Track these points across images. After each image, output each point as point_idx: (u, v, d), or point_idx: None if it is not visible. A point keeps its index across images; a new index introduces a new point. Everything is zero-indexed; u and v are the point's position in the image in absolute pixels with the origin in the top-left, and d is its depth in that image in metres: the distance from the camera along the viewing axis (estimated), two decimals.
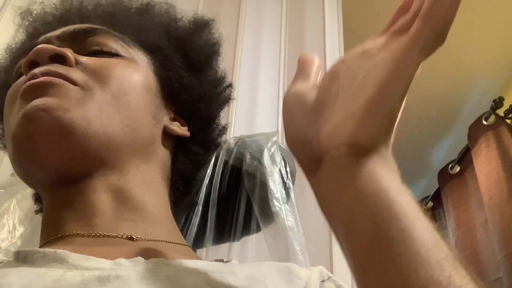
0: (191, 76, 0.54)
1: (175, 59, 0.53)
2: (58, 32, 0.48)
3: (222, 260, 0.45)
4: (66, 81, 0.42)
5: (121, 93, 0.44)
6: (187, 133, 0.53)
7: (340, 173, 0.30)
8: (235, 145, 0.64)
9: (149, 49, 0.52)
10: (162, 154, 0.49)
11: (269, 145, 0.63)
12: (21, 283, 0.30)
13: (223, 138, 0.63)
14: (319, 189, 0.32)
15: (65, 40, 0.47)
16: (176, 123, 0.52)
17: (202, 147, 0.56)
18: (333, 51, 1.35)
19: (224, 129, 0.61)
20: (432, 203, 2.43)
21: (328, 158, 0.31)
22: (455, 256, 0.27)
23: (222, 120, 0.61)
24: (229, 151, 0.63)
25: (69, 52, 0.44)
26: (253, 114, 1.17)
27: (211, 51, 0.59)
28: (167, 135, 0.50)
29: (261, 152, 0.62)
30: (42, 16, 0.56)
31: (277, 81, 1.24)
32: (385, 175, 0.29)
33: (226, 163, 0.62)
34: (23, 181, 0.45)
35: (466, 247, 1.97)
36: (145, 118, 0.46)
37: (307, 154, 0.32)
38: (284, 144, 1.09)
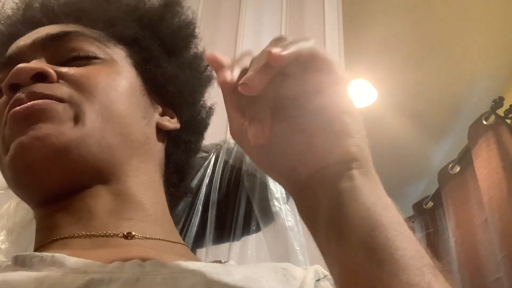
0: (173, 65, 0.52)
1: (154, 50, 0.51)
2: (28, 40, 0.46)
3: (219, 261, 0.45)
4: (52, 99, 0.41)
5: (109, 101, 0.43)
6: (178, 125, 0.52)
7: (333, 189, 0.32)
8: (235, 145, 0.64)
9: (125, 42, 0.50)
10: (158, 151, 0.49)
11: None
12: (22, 287, 0.30)
13: (222, 137, 0.63)
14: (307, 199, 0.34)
15: (37, 49, 0.46)
16: (166, 117, 0.51)
17: (193, 133, 0.55)
18: (333, 51, 1.35)
19: (211, 110, 0.60)
20: (432, 203, 2.43)
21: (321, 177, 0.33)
22: (435, 265, 0.29)
23: (213, 109, 0.60)
24: (229, 151, 0.63)
25: (50, 69, 0.43)
26: None
27: (186, 33, 0.57)
28: (160, 131, 0.50)
29: None
30: (5, 18, 0.54)
31: None
32: (372, 190, 0.32)
33: (226, 163, 0.62)
34: (18, 197, 0.45)
35: (466, 247, 1.97)
36: (136, 121, 0.45)
37: (294, 180, 0.34)
38: None
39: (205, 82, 0.59)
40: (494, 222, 1.74)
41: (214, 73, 0.59)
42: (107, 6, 0.52)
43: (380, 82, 2.31)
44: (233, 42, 1.30)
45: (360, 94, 2.36)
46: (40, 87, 0.41)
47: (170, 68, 0.52)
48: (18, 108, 0.40)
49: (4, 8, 0.55)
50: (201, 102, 0.58)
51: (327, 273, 0.42)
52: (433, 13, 2.00)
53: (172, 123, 0.51)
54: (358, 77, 2.28)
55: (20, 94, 0.41)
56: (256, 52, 0.37)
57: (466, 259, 1.95)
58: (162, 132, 0.50)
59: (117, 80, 0.46)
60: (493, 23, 2.02)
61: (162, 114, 0.51)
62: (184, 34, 0.56)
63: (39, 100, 0.40)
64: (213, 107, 0.60)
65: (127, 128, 0.44)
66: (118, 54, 0.48)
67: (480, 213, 1.92)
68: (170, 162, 0.51)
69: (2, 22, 0.54)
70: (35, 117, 0.40)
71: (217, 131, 0.62)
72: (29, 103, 0.40)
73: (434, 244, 2.31)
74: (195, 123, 0.56)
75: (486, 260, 1.84)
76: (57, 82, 0.43)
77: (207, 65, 0.59)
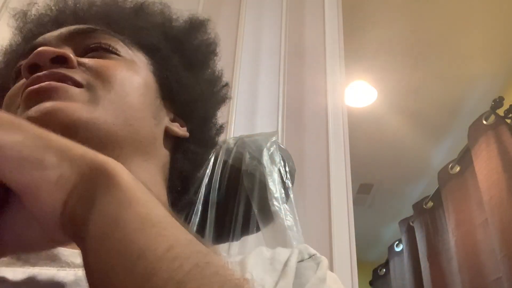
0: (189, 76, 0.54)
1: (173, 60, 0.53)
2: (56, 32, 0.48)
3: None
4: (70, 83, 0.42)
5: (124, 92, 0.44)
6: (187, 134, 0.53)
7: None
8: (234, 145, 0.64)
9: (147, 49, 0.52)
10: (163, 155, 0.50)
11: (268, 144, 0.63)
12: (15, 281, 0.30)
13: (222, 137, 0.63)
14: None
15: (64, 40, 0.47)
16: (176, 123, 0.53)
17: (200, 146, 0.56)
18: (333, 51, 1.35)
19: (221, 128, 0.62)
20: (432, 203, 2.43)
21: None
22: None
23: (220, 119, 0.61)
24: (228, 151, 0.63)
25: (70, 53, 0.44)
26: (253, 114, 1.17)
27: (207, 50, 0.59)
28: (168, 136, 0.51)
29: (260, 151, 0.62)
30: (37, 17, 0.56)
31: (277, 81, 1.25)
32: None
33: (225, 162, 0.63)
34: None
35: (466, 247, 1.97)
36: (146, 118, 0.46)
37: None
38: (283, 144, 1.09)
39: (219, 100, 0.61)
40: (494, 222, 1.74)
41: (229, 94, 0.63)
42: (135, 17, 0.55)
43: (380, 82, 2.31)
44: (233, 42, 1.30)
45: (359, 94, 2.36)
46: (58, 69, 0.42)
47: (186, 79, 0.53)
48: (33, 86, 0.40)
49: (36, 9, 0.56)
50: (213, 119, 0.60)
51: (313, 252, 0.42)
52: (433, 13, 2.00)
53: (181, 130, 0.52)
54: (358, 77, 2.29)
55: (38, 74, 0.41)
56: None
57: (466, 259, 1.95)
58: (170, 139, 0.51)
59: (134, 76, 0.47)
60: (493, 23, 2.02)
61: (172, 121, 0.52)
62: (205, 51, 0.59)
63: (55, 82, 0.41)
64: (223, 126, 0.62)
65: (137, 122, 0.44)
66: (139, 58, 0.50)
67: (480, 213, 1.92)
68: (175, 168, 0.52)
69: (33, 21, 0.55)
70: (48, 94, 0.40)
71: None
72: (45, 83, 0.40)
73: (434, 244, 2.31)
74: (204, 137, 0.57)
75: (486, 260, 1.84)
76: (77, 68, 0.43)
77: (224, 85, 0.62)
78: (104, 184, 0.25)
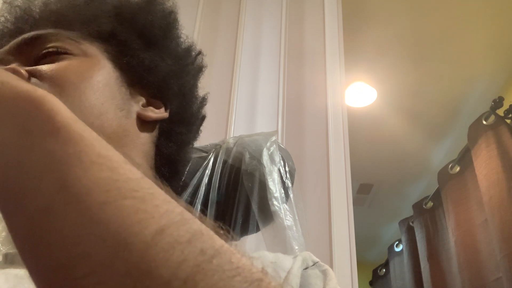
0: (152, 55, 0.52)
1: (131, 42, 0.51)
2: (6, 47, 0.48)
3: None
4: None
5: (79, 92, 0.43)
6: (165, 114, 0.51)
7: None
8: (234, 144, 0.64)
9: (102, 38, 0.50)
10: (141, 144, 0.48)
11: (268, 144, 0.63)
12: (8, 286, 0.30)
13: (222, 137, 0.63)
14: None
15: (14, 54, 0.47)
16: (150, 107, 0.51)
17: (184, 124, 0.55)
18: (333, 51, 1.35)
19: (204, 100, 0.60)
20: (432, 203, 2.43)
21: None
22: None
23: (201, 92, 0.59)
24: (228, 151, 0.63)
25: (18, 67, 0.43)
26: (253, 114, 1.17)
27: (166, 22, 0.56)
28: (145, 123, 0.49)
29: (260, 151, 0.62)
30: None
31: (277, 81, 1.25)
32: None
33: (225, 162, 0.62)
34: None
35: (466, 247, 1.97)
36: (109, 111, 0.45)
37: None
38: (283, 144, 1.09)
39: (193, 72, 0.58)
40: (494, 222, 1.74)
41: (204, 63, 0.59)
42: (85, 7, 0.53)
43: (379, 82, 2.31)
44: (233, 42, 1.30)
45: (359, 94, 2.36)
46: None
47: (148, 58, 0.51)
48: None
49: None
50: (191, 92, 0.57)
51: (316, 260, 0.42)
52: (433, 14, 2.00)
53: (156, 113, 0.50)
54: (358, 77, 2.29)
55: None
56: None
57: (466, 259, 1.95)
58: (148, 124, 0.50)
59: (89, 72, 0.46)
60: (493, 23, 2.02)
61: (146, 105, 0.51)
62: (163, 23, 0.55)
63: None
64: (206, 97, 0.60)
65: (99, 118, 0.43)
66: (93, 50, 0.49)
67: (480, 213, 1.92)
68: (160, 154, 0.51)
69: None
70: None
71: (217, 131, 0.63)
72: None
73: (434, 244, 2.31)
74: (186, 114, 0.55)
75: (486, 260, 1.84)
76: (28, 79, 0.43)
77: (196, 55, 0.59)
78: (33, 127, 0.17)
